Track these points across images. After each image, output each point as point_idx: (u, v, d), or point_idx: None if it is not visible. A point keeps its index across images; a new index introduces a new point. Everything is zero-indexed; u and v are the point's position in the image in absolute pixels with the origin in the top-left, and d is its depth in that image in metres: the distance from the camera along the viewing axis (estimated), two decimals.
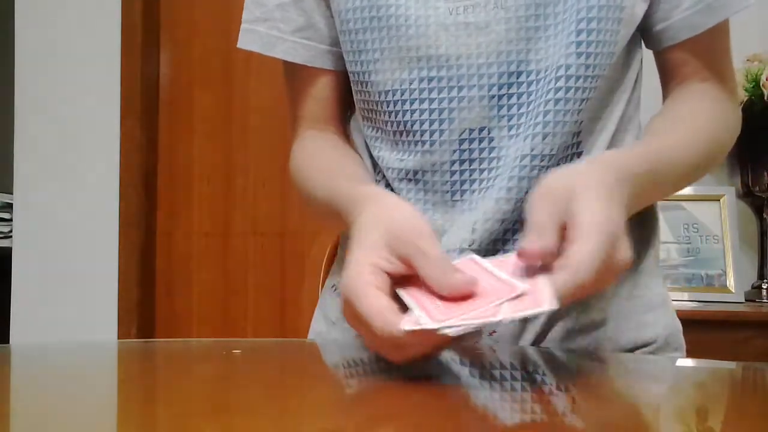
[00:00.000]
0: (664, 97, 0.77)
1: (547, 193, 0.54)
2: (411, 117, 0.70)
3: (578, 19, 0.66)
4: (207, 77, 2.27)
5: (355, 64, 0.73)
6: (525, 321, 0.70)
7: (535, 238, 0.52)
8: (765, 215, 1.78)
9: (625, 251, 0.53)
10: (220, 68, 2.26)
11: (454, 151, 0.70)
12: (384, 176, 0.75)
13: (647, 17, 0.71)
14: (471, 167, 0.70)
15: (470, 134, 0.69)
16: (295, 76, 0.80)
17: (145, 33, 2.25)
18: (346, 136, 0.83)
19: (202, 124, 2.27)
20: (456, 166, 0.70)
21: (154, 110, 2.29)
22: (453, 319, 0.47)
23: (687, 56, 0.73)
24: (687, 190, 1.70)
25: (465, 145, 0.70)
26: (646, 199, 0.68)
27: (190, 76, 2.29)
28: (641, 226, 0.74)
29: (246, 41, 0.78)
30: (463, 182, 0.70)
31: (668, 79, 0.76)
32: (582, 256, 0.50)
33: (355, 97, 0.77)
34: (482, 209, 0.69)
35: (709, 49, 0.73)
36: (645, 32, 0.74)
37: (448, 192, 0.71)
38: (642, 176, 0.61)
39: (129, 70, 2.23)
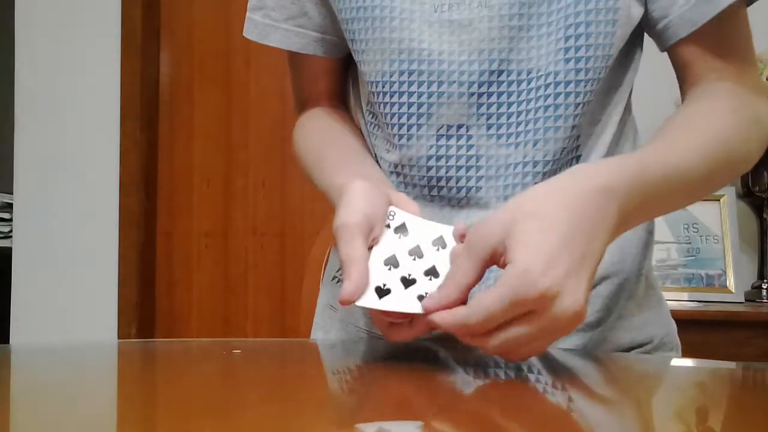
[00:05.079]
0: (682, 100, 0.72)
1: (479, 230, 0.52)
2: (390, 110, 0.71)
3: (566, 25, 0.65)
4: (207, 77, 2.27)
5: (353, 52, 0.74)
6: None
7: (437, 295, 0.52)
8: (765, 215, 1.78)
9: (570, 302, 0.48)
10: (220, 68, 2.26)
11: (431, 147, 0.70)
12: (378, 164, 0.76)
13: (647, 15, 0.70)
14: (447, 164, 0.70)
15: (447, 131, 0.69)
16: (293, 61, 0.82)
17: (145, 33, 2.25)
18: (347, 109, 0.84)
19: (202, 124, 2.27)
20: (432, 162, 0.70)
21: (154, 110, 2.29)
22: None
23: (696, 53, 0.69)
24: None
25: (442, 141, 0.70)
26: (647, 211, 0.61)
27: (190, 76, 2.29)
28: (638, 228, 0.74)
29: (246, 30, 0.80)
30: (439, 179, 0.70)
31: (682, 80, 0.72)
32: (481, 302, 0.49)
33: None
34: (477, 217, 0.69)
35: (721, 42, 0.68)
36: (649, 31, 0.72)
37: (425, 187, 0.71)
38: (640, 187, 0.56)
39: (129, 70, 2.23)
